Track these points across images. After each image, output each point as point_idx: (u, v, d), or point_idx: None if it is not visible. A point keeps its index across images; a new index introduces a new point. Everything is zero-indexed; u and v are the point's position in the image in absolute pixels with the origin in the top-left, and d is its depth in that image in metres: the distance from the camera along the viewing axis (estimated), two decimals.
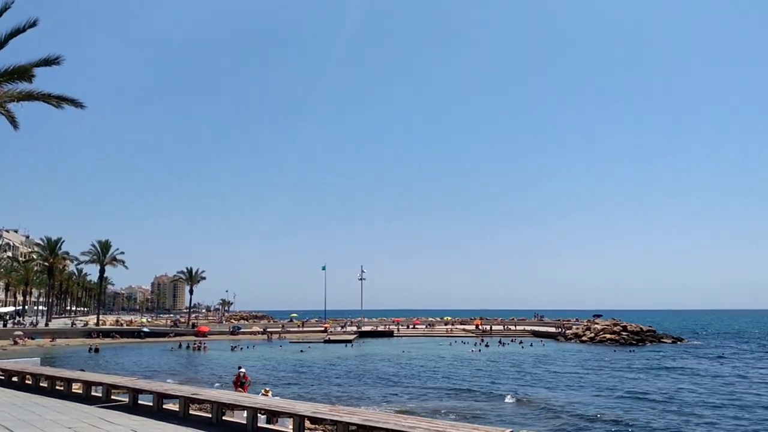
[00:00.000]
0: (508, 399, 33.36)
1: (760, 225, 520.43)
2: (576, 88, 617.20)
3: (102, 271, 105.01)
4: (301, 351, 72.10)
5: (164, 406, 16.84)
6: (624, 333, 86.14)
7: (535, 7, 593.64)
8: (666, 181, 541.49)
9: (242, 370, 29.47)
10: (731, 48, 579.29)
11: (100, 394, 18.71)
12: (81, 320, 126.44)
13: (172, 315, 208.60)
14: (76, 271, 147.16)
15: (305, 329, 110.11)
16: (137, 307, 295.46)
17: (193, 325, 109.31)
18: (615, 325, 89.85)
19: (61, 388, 20.20)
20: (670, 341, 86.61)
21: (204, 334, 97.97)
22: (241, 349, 75.09)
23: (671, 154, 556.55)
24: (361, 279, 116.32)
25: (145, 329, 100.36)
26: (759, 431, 25.75)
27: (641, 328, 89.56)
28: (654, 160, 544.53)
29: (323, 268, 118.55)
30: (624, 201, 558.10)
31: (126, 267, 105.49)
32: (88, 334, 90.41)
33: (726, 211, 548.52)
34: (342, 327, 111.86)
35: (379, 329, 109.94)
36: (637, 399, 34.01)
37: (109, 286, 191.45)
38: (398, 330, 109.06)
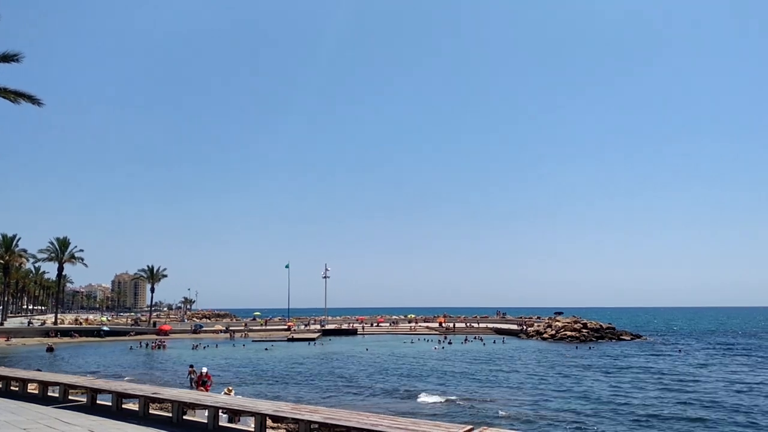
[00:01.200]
0: (428, 398, 33.15)
1: (733, 223, 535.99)
2: (552, 88, 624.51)
3: (60, 269, 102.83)
4: (266, 349, 71.72)
5: (124, 406, 16.62)
6: (584, 330, 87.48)
7: (518, 8, 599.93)
8: (631, 181, 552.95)
9: (204, 369, 29.22)
10: (714, 48, 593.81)
11: (57, 395, 18.39)
12: (38, 319, 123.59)
13: (133, 314, 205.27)
14: (33, 269, 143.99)
15: (268, 328, 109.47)
16: (97, 306, 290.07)
17: (155, 324, 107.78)
18: (575, 322, 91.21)
19: (16, 389, 19.79)
20: (629, 338, 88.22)
21: (165, 333, 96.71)
22: (204, 347, 74.34)
23: (634, 155, 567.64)
24: (325, 277, 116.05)
25: (105, 328, 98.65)
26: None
27: (601, 326, 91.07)
28: (615, 161, 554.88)
29: (287, 267, 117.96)
30: (591, 201, 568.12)
31: (85, 265, 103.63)
32: (46, 333, 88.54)
33: (698, 210, 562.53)
34: (305, 325, 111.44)
35: (342, 327, 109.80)
36: (569, 395, 34.45)
37: (68, 285, 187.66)
38: (362, 328, 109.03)
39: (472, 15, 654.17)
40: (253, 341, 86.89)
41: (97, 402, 17.03)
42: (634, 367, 50.48)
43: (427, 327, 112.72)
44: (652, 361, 55.70)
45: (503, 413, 28.36)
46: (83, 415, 15.05)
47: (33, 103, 28.90)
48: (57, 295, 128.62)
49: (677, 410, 29.56)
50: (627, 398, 33.37)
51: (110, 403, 16.45)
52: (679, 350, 68.91)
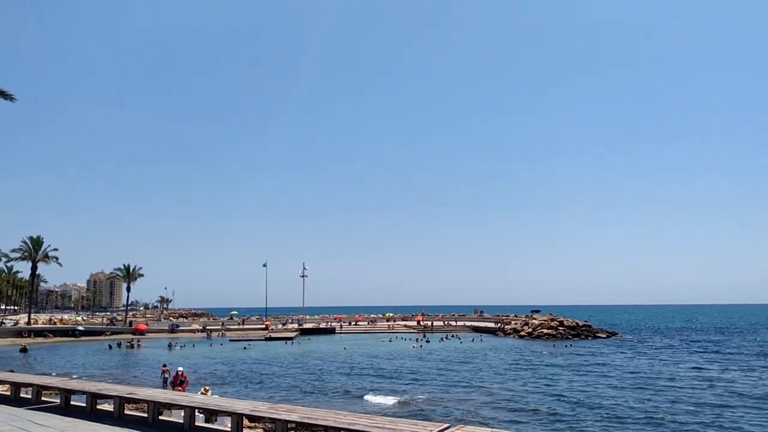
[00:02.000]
0: (379, 398, 32.66)
1: (731, 220, 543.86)
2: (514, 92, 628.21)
3: (34, 268, 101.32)
4: (244, 348, 71.46)
5: (98, 407, 16.47)
6: (561, 328, 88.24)
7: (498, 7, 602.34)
8: (615, 177, 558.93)
9: (180, 369, 29.02)
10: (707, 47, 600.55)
11: (30, 396, 18.15)
12: (11, 319, 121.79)
13: (108, 313, 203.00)
14: (6, 269, 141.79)
15: (246, 327, 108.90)
16: (72, 306, 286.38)
17: (131, 323, 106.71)
18: (552, 320, 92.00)
19: None
20: (604, 336, 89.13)
21: (142, 332, 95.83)
22: (181, 347, 73.78)
23: (603, 153, 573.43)
24: (303, 276, 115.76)
25: (80, 328, 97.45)
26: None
27: (577, 323, 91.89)
28: (589, 156, 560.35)
29: (264, 266, 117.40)
30: (570, 197, 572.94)
31: (60, 264, 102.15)
32: (19, 333, 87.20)
33: (682, 209, 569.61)
34: (283, 324, 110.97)
35: (320, 327, 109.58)
36: (542, 393, 34.71)
37: (42, 284, 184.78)
38: (340, 327, 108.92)
39: (476, 7, 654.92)
40: (230, 340, 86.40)
41: (71, 403, 16.85)
42: (608, 364, 51.00)
43: (405, 325, 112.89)
44: (625, 359, 56.36)
45: (479, 411, 28.51)
46: (57, 416, 14.88)
47: (5, 99, 28.46)
48: (30, 295, 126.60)
49: (645, 408, 29.92)
50: (597, 396, 33.70)
51: (84, 404, 16.29)
52: (655, 347, 69.78)
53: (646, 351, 65.21)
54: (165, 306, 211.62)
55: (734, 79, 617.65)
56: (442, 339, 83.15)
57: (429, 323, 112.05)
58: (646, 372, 45.45)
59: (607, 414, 28.05)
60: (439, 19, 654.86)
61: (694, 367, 48.41)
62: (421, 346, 72.71)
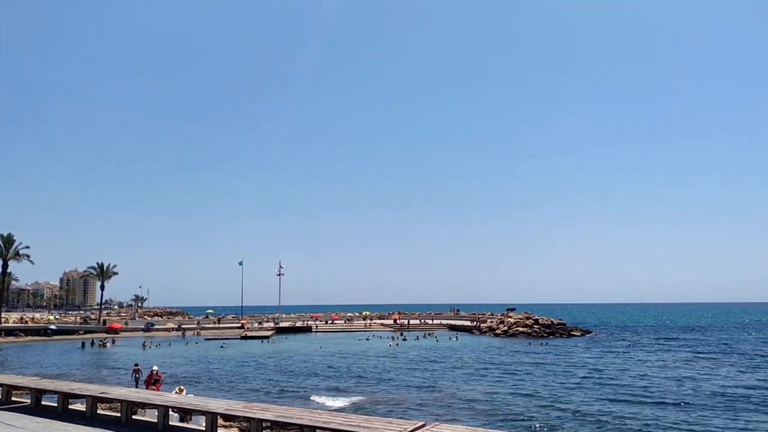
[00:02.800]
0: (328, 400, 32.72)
1: (717, 222, 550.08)
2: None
3: (5, 266, 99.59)
4: (222, 347, 71.07)
5: (70, 407, 16.31)
6: (536, 326, 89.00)
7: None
8: (611, 177, 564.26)
9: (155, 368, 28.82)
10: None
11: (0, 396, 17.90)
12: None
13: (82, 312, 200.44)
14: None
15: (221, 326, 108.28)
16: (45, 304, 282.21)
17: (104, 322, 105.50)
18: (527, 318, 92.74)
19: None
20: (579, 334, 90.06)
21: (116, 331, 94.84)
22: (157, 346, 73.19)
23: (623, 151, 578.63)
24: (279, 274, 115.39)
25: (53, 327, 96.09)
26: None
27: (552, 322, 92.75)
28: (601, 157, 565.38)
29: (240, 264, 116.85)
30: (549, 195, 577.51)
31: (32, 262, 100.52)
32: None
33: (663, 206, 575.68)
34: (259, 323, 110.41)
35: (297, 325, 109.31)
36: (515, 390, 35.04)
37: (13, 282, 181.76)
38: (316, 326, 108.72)
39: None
40: (205, 339, 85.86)
41: (43, 403, 16.66)
42: (576, 363, 51.52)
43: (382, 324, 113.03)
44: (592, 356, 57.02)
45: (453, 410, 28.69)
46: (27, 416, 14.71)
47: None
48: (1, 294, 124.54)
49: (611, 406, 30.32)
50: (562, 394, 34.05)
51: (56, 404, 16.12)
52: (628, 345, 70.67)
53: (617, 349, 65.94)
54: (140, 304, 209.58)
55: (735, 77, 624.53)
56: (417, 338, 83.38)
57: (405, 322, 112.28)
58: (609, 369, 46.08)
59: (573, 413, 28.34)
60: (429, 16, 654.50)
61: (659, 365, 49.13)
62: (397, 344, 72.84)
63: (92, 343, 75.48)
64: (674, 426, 25.24)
